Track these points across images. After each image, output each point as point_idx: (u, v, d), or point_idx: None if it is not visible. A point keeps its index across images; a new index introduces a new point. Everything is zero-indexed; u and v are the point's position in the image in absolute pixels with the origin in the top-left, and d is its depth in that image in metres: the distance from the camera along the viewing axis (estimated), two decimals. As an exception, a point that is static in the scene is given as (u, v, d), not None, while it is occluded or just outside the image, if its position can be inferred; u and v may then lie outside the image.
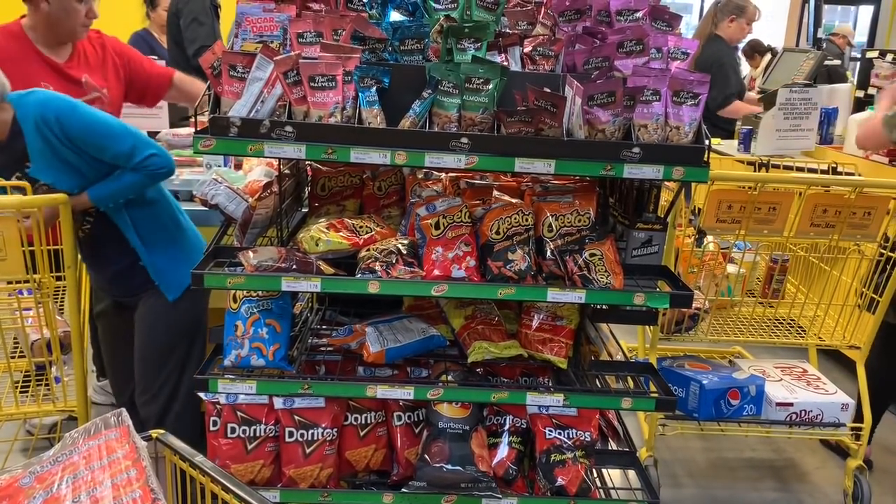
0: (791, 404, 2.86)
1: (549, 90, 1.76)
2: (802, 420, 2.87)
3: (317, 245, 1.93)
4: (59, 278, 2.36)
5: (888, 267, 2.81)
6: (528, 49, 1.95)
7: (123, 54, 2.89)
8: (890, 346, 2.99)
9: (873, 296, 2.88)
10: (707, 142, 1.80)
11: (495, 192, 2.08)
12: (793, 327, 3.12)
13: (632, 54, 1.90)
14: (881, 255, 2.83)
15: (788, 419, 2.87)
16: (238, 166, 2.98)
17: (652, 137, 1.79)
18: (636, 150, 1.75)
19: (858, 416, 2.92)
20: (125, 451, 1.23)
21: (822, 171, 3.65)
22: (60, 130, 2.03)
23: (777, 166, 3.90)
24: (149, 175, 2.12)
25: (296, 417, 2.00)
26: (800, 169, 3.69)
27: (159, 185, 2.30)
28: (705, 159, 1.78)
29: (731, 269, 3.10)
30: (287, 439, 2.00)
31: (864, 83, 5.46)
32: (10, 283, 2.37)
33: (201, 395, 2.00)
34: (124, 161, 2.09)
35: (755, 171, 3.83)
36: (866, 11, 11.98)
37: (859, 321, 2.96)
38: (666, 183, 2.31)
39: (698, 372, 2.87)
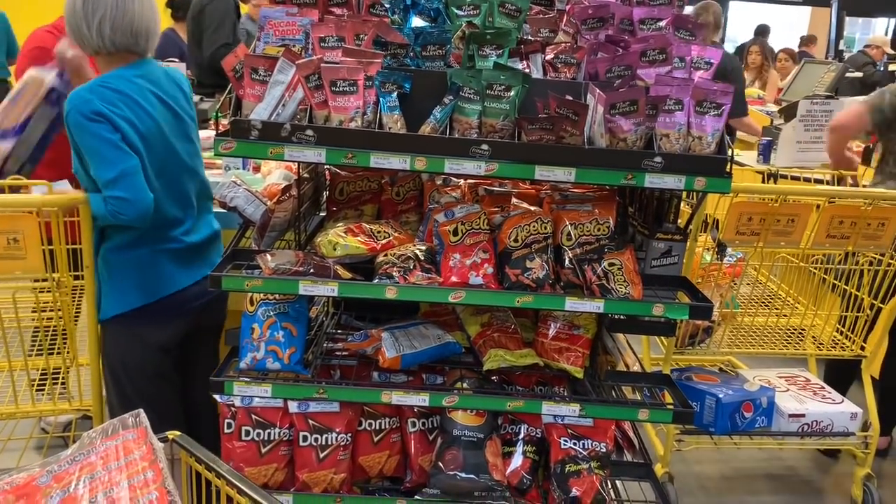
0: (803, 415, 2.86)
1: (570, 98, 1.75)
2: (813, 431, 2.87)
3: (334, 249, 1.93)
4: (77, 277, 2.38)
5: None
6: (549, 56, 1.95)
7: None
8: None
9: (881, 305, 2.88)
10: (729, 152, 1.78)
11: (514, 200, 2.07)
12: (801, 338, 3.12)
13: (654, 63, 1.89)
14: (889, 265, 2.84)
15: (800, 430, 2.86)
16: (256, 169, 3.00)
17: (674, 147, 1.78)
18: (658, 159, 1.73)
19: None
20: (142, 452, 1.23)
21: (828, 182, 3.64)
22: (72, 132, 2.04)
23: (785, 177, 3.89)
24: (109, 212, 2.02)
25: (310, 422, 2.00)
26: (807, 180, 3.68)
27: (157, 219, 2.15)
28: (728, 170, 1.77)
29: (744, 290, 3.10)
30: (301, 443, 2.00)
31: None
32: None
33: (216, 397, 2.01)
34: (102, 186, 2.03)
35: (763, 181, 3.82)
36: (881, 24, 11.90)
37: (864, 330, 2.98)
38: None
39: (711, 385, 2.85)
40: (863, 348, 3.00)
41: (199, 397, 2.28)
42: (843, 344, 3.06)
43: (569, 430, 2.06)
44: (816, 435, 2.88)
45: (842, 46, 9.58)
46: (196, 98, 3.25)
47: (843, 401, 2.94)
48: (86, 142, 2.01)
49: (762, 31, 9.68)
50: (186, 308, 2.24)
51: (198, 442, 1.35)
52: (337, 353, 2.20)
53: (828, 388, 3.04)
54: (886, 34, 11.70)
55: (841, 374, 3.25)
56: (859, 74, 6.88)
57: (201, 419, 2.37)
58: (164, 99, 2.15)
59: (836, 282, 3.01)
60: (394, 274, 1.85)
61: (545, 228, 1.94)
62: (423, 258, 1.91)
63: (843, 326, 3.06)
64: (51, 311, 2.42)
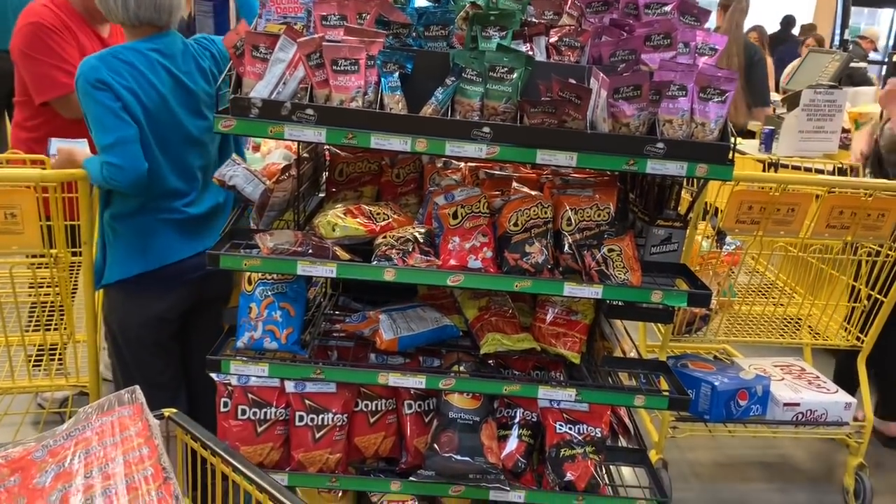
0: (798, 404, 2.87)
1: (574, 81, 1.74)
2: (808, 420, 2.88)
3: (333, 230, 1.92)
4: (75, 254, 2.37)
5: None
6: (553, 39, 1.93)
7: None
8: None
9: (878, 296, 2.88)
10: (732, 140, 1.77)
11: (514, 184, 2.06)
12: (798, 327, 3.13)
13: (659, 48, 1.87)
14: (888, 256, 2.84)
15: (794, 419, 2.87)
16: (255, 149, 2.98)
17: (676, 133, 1.76)
18: (660, 145, 1.72)
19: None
20: (138, 428, 1.23)
21: (829, 172, 3.64)
22: (79, 98, 2.08)
23: (786, 166, 3.89)
24: (104, 177, 2.06)
25: (306, 402, 2.00)
26: (807, 169, 3.68)
27: (156, 191, 2.18)
28: (730, 158, 1.76)
29: (742, 279, 3.11)
30: (297, 423, 2.00)
31: (889, 87, 5.37)
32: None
33: (213, 375, 2.01)
34: (99, 151, 2.08)
35: (765, 170, 3.83)
36: (887, 15, 11.84)
37: (861, 320, 2.99)
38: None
39: (707, 373, 2.85)
40: (859, 339, 3.00)
41: (200, 369, 2.30)
42: (840, 334, 3.06)
43: (564, 415, 2.07)
44: (811, 424, 2.89)
45: (846, 36, 9.54)
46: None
47: (837, 390, 2.96)
48: (89, 108, 2.06)
49: (788, 22, 9.61)
50: (187, 278, 2.26)
51: (198, 415, 1.35)
52: (334, 334, 2.20)
53: (822, 377, 3.05)
54: (892, 25, 11.65)
55: (850, 372, 3.22)
56: (863, 65, 6.84)
57: (202, 391, 2.38)
58: (174, 73, 2.17)
59: (833, 272, 3.01)
60: (392, 256, 1.84)
61: (545, 213, 1.93)
62: (422, 241, 1.91)
63: (840, 317, 3.06)
64: (48, 286, 2.41)
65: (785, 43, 9.03)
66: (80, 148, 2.33)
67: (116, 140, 2.02)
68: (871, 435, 3.00)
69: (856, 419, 2.98)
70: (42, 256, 2.31)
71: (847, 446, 3.05)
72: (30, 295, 2.54)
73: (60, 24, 2.69)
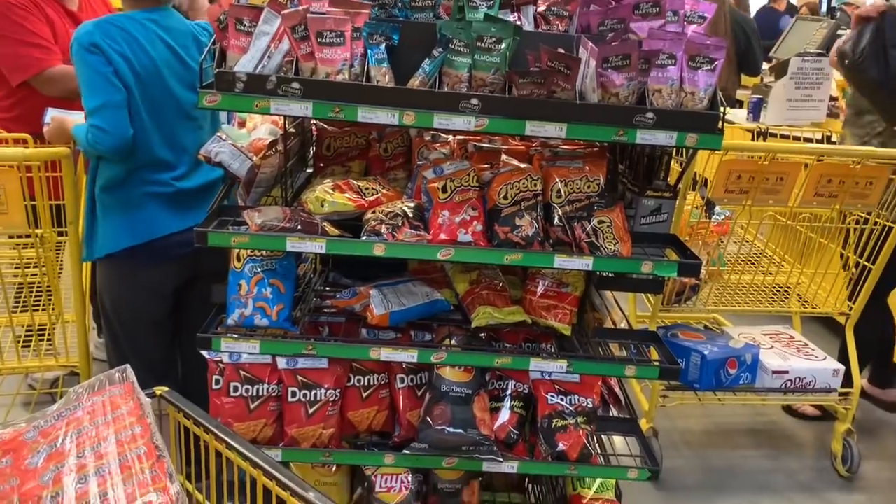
0: (787, 372, 2.90)
1: (562, 51, 1.72)
2: (796, 387, 2.92)
3: (322, 206, 1.90)
4: (60, 234, 2.35)
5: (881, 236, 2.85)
6: (541, 8, 1.91)
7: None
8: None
9: (866, 263, 2.90)
10: (722, 109, 1.76)
11: (504, 157, 2.04)
12: (787, 296, 3.16)
13: (648, 16, 1.85)
14: (875, 223, 2.86)
15: (783, 386, 2.90)
16: (241, 124, 2.94)
17: (666, 103, 1.75)
18: (650, 115, 1.71)
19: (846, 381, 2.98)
20: (129, 407, 1.22)
21: (818, 141, 3.65)
22: (74, 61, 2.11)
23: (774, 135, 3.90)
24: (89, 140, 2.08)
25: (299, 378, 2.00)
26: (796, 138, 3.68)
27: (140, 161, 2.20)
28: (719, 127, 1.75)
29: (731, 248, 3.12)
30: (290, 399, 2.00)
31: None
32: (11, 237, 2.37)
33: (204, 353, 2.00)
34: (87, 114, 2.10)
35: (753, 139, 3.83)
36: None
37: (849, 288, 3.02)
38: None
39: (697, 342, 2.87)
40: (848, 307, 3.03)
41: (192, 347, 2.31)
42: (829, 302, 3.09)
43: (556, 386, 2.08)
44: (799, 391, 2.93)
45: (834, 3, 9.49)
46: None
47: (825, 357, 2.99)
48: (81, 71, 2.08)
49: None
50: (178, 253, 2.25)
51: (192, 391, 1.34)
52: (325, 310, 2.19)
53: (811, 345, 3.09)
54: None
55: (858, 353, 3.22)
56: (849, 32, 6.81)
57: (195, 368, 2.38)
58: (170, 44, 2.18)
59: (822, 240, 3.03)
60: (382, 231, 1.83)
61: (535, 185, 1.92)
62: (411, 215, 1.89)
63: (828, 285, 3.08)
64: (34, 267, 2.39)
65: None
66: (74, 117, 2.31)
67: (103, 104, 2.05)
68: (861, 401, 3.04)
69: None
70: (27, 237, 2.29)
71: (835, 412, 3.09)
72: (16, 276, 2.52)
73: (27, 1, 2.64)
